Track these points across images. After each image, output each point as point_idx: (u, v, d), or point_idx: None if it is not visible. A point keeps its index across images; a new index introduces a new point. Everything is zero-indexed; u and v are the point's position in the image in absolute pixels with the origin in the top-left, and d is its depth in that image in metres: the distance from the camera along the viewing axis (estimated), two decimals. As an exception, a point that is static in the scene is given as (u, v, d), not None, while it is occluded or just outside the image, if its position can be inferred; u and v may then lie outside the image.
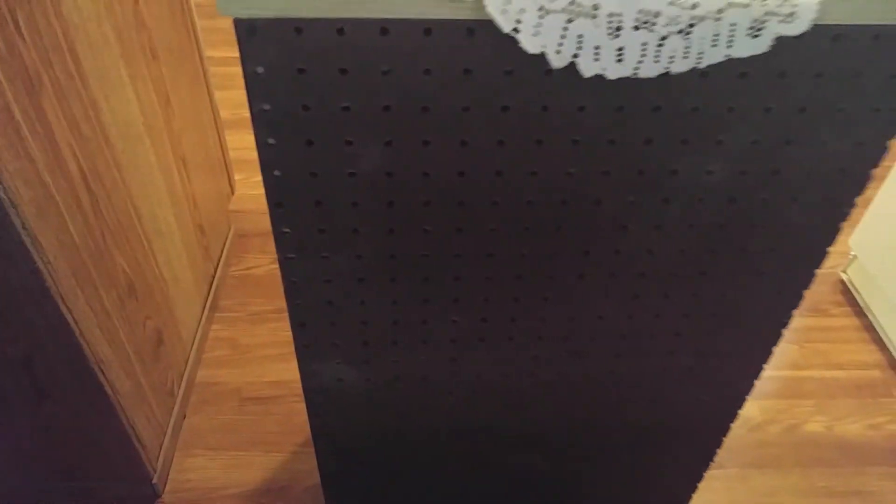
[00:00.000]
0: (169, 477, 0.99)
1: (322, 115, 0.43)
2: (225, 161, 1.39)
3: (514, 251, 0.52)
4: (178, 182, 1.08)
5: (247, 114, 1.77)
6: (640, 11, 0.40)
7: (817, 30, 0.42)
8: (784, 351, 1.30)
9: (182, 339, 1.09)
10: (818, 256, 0.56)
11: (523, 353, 0.61)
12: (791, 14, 0.41)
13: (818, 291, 1.43)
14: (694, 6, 0.41)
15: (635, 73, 0.42)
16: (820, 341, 1.32)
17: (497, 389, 0.65)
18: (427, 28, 0.40)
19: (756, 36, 0.42)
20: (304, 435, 1.07)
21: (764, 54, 0.43)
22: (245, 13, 0.39)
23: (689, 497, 0.85)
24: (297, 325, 0.57)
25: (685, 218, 0.52)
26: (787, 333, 1.33)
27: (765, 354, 0.65)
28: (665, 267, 0.55)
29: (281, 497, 0.99)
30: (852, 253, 1.39)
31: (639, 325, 0.60)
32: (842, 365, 1.28)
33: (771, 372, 1.26)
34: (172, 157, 1.05)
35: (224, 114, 1.54)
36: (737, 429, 1.16)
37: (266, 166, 0.46)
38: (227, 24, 1.80)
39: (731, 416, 0.73)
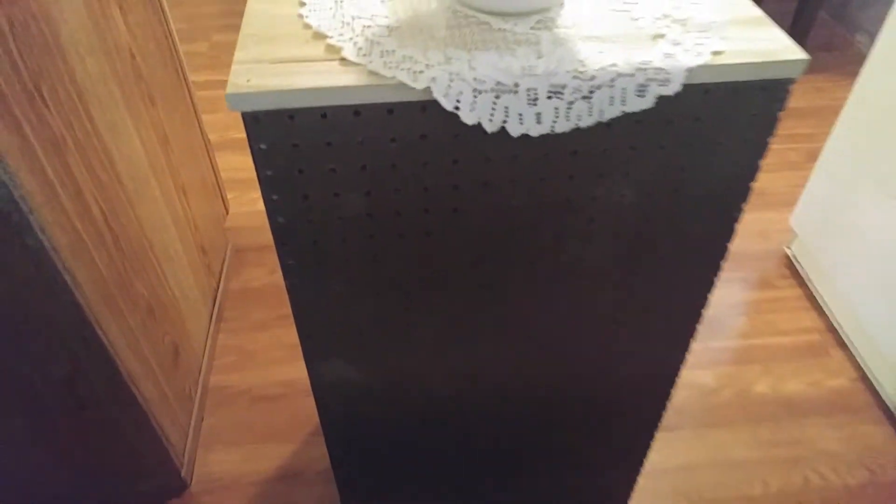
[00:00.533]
0: (195, 470, 1.12)
1: (313, 175, 0.56)
2: (218, 183, 1.51)
3: (473, 268, 0.66)
4: (181, 210, 1.20)
5: (234, 135, 1.91)
6: (551, 86, 0.53)
7: (690, 87, 0.55)
8: (736, 322, 1.44)
9: (194, 350, 1.21)
10: (718, 252, 0.70)
11: (490, 347, 0.74)
12: (665, 80, 0.54)
13: (766, 266, 1.58)
14: (592, 78, 0.53)
15: (552, 130, 0.55)
16: (767, 312, 1.47)
17: (471, 377, 0.78)
18: (390, 108, 0.53)
19: (642, 96, 0.55)
20: (311, 426, 1.20)
21: (653, 107, 0.56)
22: (250, 109, 0.51)
23: (644, 455, 0.99)
24: (304, 336, 0.69)
25: (607, 232, 0.65)
26: (738, 307, 1.48)
27: (688, 332, 0.79)
28: (597, 270, 0.68)
29: (296, 482, 1.12)
30: (794, 231, 1.54)
31: (582, 318, 0.73)
32: (786, 332, 1.43)
33: (724, 343, 1.40)
34: (174, 188, 1.17)
35: (213, 137, 1.65)
36: (692, 395, 1.30)
37: (272, 215, 0.58)
38: (206, 48, 1.98)
39: (669, 384, 0.86)
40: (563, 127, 0.55)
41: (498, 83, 0.52)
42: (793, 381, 1.34)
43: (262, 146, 0.54)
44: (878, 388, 1.31)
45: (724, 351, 1.39)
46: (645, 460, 1.02)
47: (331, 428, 0.81)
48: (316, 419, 1.21)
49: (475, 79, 0.52)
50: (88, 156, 0.86)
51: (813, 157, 1.86)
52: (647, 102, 0.55)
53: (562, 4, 0.61)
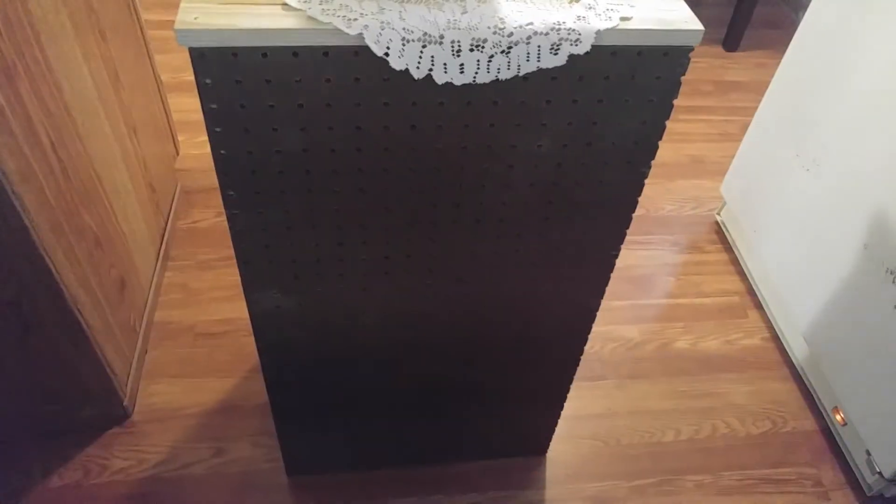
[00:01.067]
0: (137, 401, 1.17)
1: (254, 111, 0.61)
2: (169, 124, 1.52)
3: (403, 205, 0.71)
4: (131, 147, 1.22)
5: (186, 77, 1.91)
6: (473, 39, 0.59)
7: (600, 49, 0.61)
8: (663, 283, 1.54)
9: (141, 284, 1.25)
10: (629, 204, 0.77)
11: (417, 282, 0.80)
12: (577, 40, 0.60)
13: (697, 231, 1.68)
14: (510, 35, 0.59)
15: (474, 80, 0.61)
16: (693, 274, 1.57)
17: (400, 311, 0.84)
18: (325, 51, 0.58)
19: (555, 53, 0.61)
20: (251, 363, 1.26)
21: (566, 65, 0.62)
22: (197, 44, 0.55)
23: (564, 397, 1.08)
24: (243, 264, 0.74)
25: (526, 178, 0.71)
26: (667, 268, 1.58)
27: (603, 278, 0.86)
28: (516, 214, 0.75)
29: (234, 413, 1.18)
30: (724, 198, 1.64)
31: (503, 258, 0.80)
32: (709, 293, 1.53)
33: (651, 301, 1.50)
34: (124, 126, 1.19)
35: (165, 77, 1.65)
36: (618, 348, 1.40)
37: (215, 147, 0.63)
38: None
39: (586, 327, 0.94)
40: (484, 78, 0.61)
41: (425, 34, 0.57)
42: (711, 339, 1.44)
43: (207, 81, 0.58)
44: (787, 348, 1.43)
45: (650, 308, 1.49)
46: (565, 403, 1.11)
47: (266, 355, 0.87)
48: (255, 357, 1.26)
49: (404, 28, 0.57)
50: (38, 85, 0.88)
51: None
52: (559, 60, 0.61)
53: (492, -35, 0.66)
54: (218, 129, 0.62)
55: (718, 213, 1.69)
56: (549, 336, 0.94)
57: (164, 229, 1.41)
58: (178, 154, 1.58)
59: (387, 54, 0.57)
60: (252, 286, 0.77)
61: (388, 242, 0.75)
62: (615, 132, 0.69)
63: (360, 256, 0.76)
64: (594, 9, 0.62)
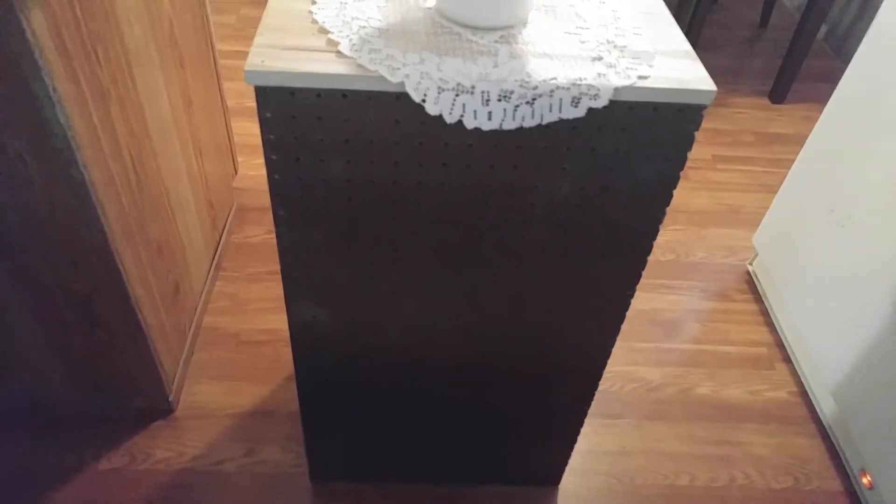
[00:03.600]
0: (181, 398, 1.26)
1: (306, 143, 0.69)
2: (231, 146, 1.64)
3: (431, 234, 0.79)
4: (195, 166, 1.34)
5: (248, 104, 2.06)
6: (501, 90, 0.66)
7: (617, 103, 0.68)
8: (689, 327, 1.57)
9: (193, 291, 1.35)
10: (644, 247, 0.83)
11: (440, 306, 0.87)
12: (596, 95, 0.67)
13: (727, 280, 1.70)
14: (535, 88, 0.66)
15: (501, 127, 0.68)
16: (720, 321, 1.59)
17: (422, 331, 0.91)
18: (370, 95, 0.66)
19: (576, 106, 0.68)
20: (286, 373, 1.34)
21: (586, 116, 0.69)
22: (261, 83, 0.65)
23: (577, 430, 1.12)
24: (286, 277, 0.83)
25: (545, 217, 0.78)
26: (694, 314, 1.60)
27: (618, 317, 0.91)
28: (535, 250, 0.81)
29: (267, 418, 1.26)
30: (755, 250, 1.66)
31: (521, 290, 0.86)
32: (735, 342, 1.55)
33: (675, 345, 1.53)
34: (191, 146, 1.31)
35: (231, 103, 1.78)
36: (638, 388, 1.43)
37: (270, 172, 0.72)
38: (234, 20, 2.15)
39: (602, 363, 0.99)
40: (509, 125, 0.68)
41: (458, 84, 0.65)
42: (734, 388, 1.46)
43: (268, 114, 0.67)
44: (814, 404, 1.43)
45: (674, 352, 1.51)
46: (582, 438, 1.15)
47: (301, 363, 0.95)
48: (291, 368, 1.34)
49: (440, 78, 0.65)
50: (126, 108, 1.00)
51: (790, 184, 1.98)
52: (579, 112, 0.68)
53: (524, 23, 0.74)
54: (274, 157, 0.71)
55: (750, 264, 1.71)
56: (563, 369, 0.99)
57: (219, 242, 1.52)
58: (236, 174, 1.71)
59: (423, 101, 0.66)
60: (292, 297, 0.85)
61: (415, 267, 0.83)
62: (631, 179, 0.75)
63: (388, 278, 0.84)
64: (615, 67, 0.69)
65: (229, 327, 1.40)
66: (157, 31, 1.10)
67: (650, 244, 0.83)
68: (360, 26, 0.71)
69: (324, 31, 0.70)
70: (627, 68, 0.69)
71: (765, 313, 1.62)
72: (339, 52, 0.67)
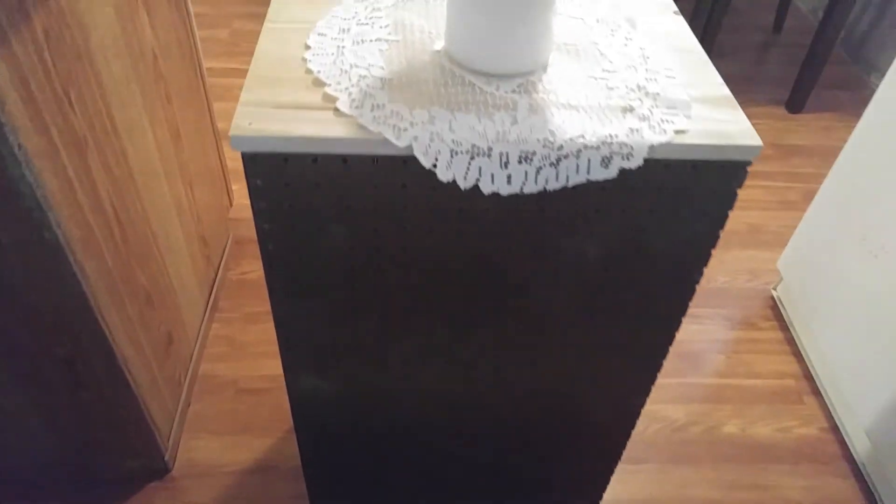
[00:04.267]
0: (177, 455, 1.18)
1: (302, 210, 0.61)
2: (224, 175, 1.57)
3: (445, 302, 0.71)
4: (186, 203, 1.26)
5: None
6: (522, 152, 0.58)
7: (652, 161, 0.60)
8: (713, 360, 1.49)
9: (188, 337, 1.28)
10: (678, 309, 0.75)
11: (458, 372, 0.79)
12: (629, 154, 0.59)
13: (751, 306, 1.61)
14: (560, 148, 0.58)
15: (521, 191, 0.60)
16: (745, 352, 1.51)
17: (440, 398, 0.83)
18: (375, 159, 0.58)
19: (606, 167, 0.60)
20: (290, 422, 1.26)
21: (617, 176, 0.61)
22: (250, 149, 0.57)
23: (604, 488, 1.04)
24: (284, 349, 0.75)
25: (571, 281, 0.70)
26: (717, 344, 1.52)
27: (649, 378, 0.83)
28: (559, 315, 0.73)
29: (271, 474, 1.18)
30: (780, 274, 1.58)
31: (544, 355, 0.78)
32: (762, 374, 1.46)
33: (699, 379, 1.45)
34: (181, 182, 1.23)
35: (223, 125, 1.70)
36: (662, 429, 1.35)
37: (262, 242, 0.64)
38: (227, 35, 2.03)
39: (630, 423, 0.91)
40: (531, 189, 0.60)
41: (473, 146, 0.57)
42: (763, 425, 1.37)
43: (258, 182, 0.59)
44: (847, 441, 1.35)
45: (697, 387, 1.43)
46: (605, 493, 1.07)
47: (304, 434, 0.87)
48: (298, 415, 1.26)
49: (453, 140, 0.57)
50: (106, 154, 0.92)
51: (811, 196, 1.88)
52: (610, 173, 0.60)
53: (545, 69, 0.66)
54: (266, 226, 0.63)
55: (775, 289, 1.63)
56: (588, 431, 0.91)
57: (214, 280, 1.45)
58: (231, 205, 1.63)
59: (435, 166, 0.58)
60: (291, 369, 0.78)
61: (427, 335, 0.75)
62: (666, 241, 0.67)
63: (399, 347, 0.76)
64: (648, 120, 0.61)
65: (227, 374, 1.33)
66: (139, 65, 1.02)
67: (685, 305, 0.75)
68: (360, 76, 0.63)
69: (319, 82, 0.62)
70: (663, 121, 0.61)
71: (791, 342, 1.53)
72: (337, 110, 0.59)
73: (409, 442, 0.91)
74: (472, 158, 0.58)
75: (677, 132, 0.60)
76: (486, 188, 0.59)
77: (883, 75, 2.32)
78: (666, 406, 1.38)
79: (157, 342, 1.10)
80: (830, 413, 1.39)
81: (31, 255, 0.80)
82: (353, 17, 0.71)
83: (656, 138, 0.59)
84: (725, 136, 0.60)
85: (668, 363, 1.47)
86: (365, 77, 0.63)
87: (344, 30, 0.69)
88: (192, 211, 1.30)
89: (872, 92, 2.34)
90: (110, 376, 0.97)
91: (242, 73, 2.11)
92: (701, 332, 1.53)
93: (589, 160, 0.59)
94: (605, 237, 0.66)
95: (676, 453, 1.31)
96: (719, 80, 0.68)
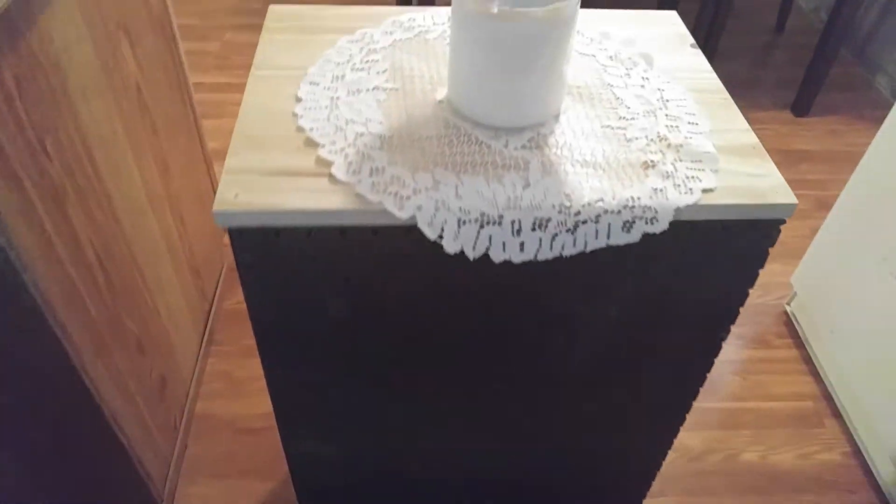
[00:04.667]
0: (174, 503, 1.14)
1: (297, 285, 0.56)
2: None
3: (452, 367, 0.66)
4: (176, 236, 1.20)
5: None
6: (535, 219, 0.53)
7: (679, 223, 0.55)
8: (728, 382, 1.44)
9: (182, 377, 1.22)
10: (703, 366, 0.69)
11: (466, 437, 0.74)
12: (653, 219, 0.54)
13: (764, 323, 1.56)
14: (577, 214, 0.53)
15: (535, 258, 0.55)
16: (761, 373, 1.46)
17: (445, 461, 0.78)
18: (375, 230, 0.53)
19: (628, 232, 0.54)
20: (291, 464, 1.21)
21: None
22: (237, 225, 0.51)
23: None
24: (279, 415, 0.70)
25: (589, 343, 0.65)
26: (732, 365, 1.47)
27: (671, 434, 0.78)
28: (576, 374, 0.68)
29: (272, 521, 1.13)
30: (793, 289, 1.53)
31: (557, 419, 0.73)
32: (779, 396, 1.41)
33: (714, 404, 1.40)
34: (171, 216, 1.18)
35: (214, 144, 1.64)
36: (678, 459, 1.30)
37: (254, 317, 0.59)
38: (217, 47, 1.93)
39: (651, 475, 0.86)
40: (545, 255, 0.55)
41: (483, 213, 0.52)
42: (783, 451, 1.33)
43: (247, 257, 0.54)
44: (871, 466, 1.30)
45: (713, 412, 1.38)
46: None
47: (303, 493, 0.82)
48: (299, 455, 1.21)
49: (461, 208, 0.52)
50: (87, 200, 0.87)
51: (822, 205, 1.83)
52: (632, 238, 0.54)
53: (556, 118, 0.61)
54: (258, 302, 0.58)
55: (788, 304, 1.58)
56: (605, 485, 0.87)
57: (209, 312, 1.39)
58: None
59: (441, 237, 0.52)
60: (290, 435, 0.73)
61: (435, 400, 0.70)
62: (691, 301, 0.62)
63: (404, 413, 0.71)
64: (672, 178, 0.56)
65: (225, 414, 1.27)
66: (122, 100, 0.97)
67: (711, 361, 0.70)
68: (356, 133, 0.58)
69: (312, 142, 0.57)
70: (688, 177, 0.56)
71: (807, 360, 1.48)
72: (332, 176, 0.54)
73: (415, 499, 0.86)
74: (482, 227, 0.53)
75: (705, 191, 0.55)
76: (497, 257, 0.54)
77: (888, 76, 2.27)
78: (682, 434, 1.32)
79: (150, 389, 1.05)
80: (852, 436, 1.34)
81: (7, 318, 0.75)
82: (348, 62, 0.66)
83: (682, 200, 0.54)
84: (757, 194, 0.55)
85: (682, 388, 1.42)
86: (362, 135, 0.58)
87: (338, 77, 0.64)
88: (184, 243, 1.24)
89: (878, 93, 2.29)
90: (99, 435, 0.92)
91: (234, 88, 2.05)
92: (714, 353, 1.48)
93: (609, 225, 0.54)
94: (627, 299, 0.61)
95: (695, 485, 1.26)
96: (745, 124, 0.62)
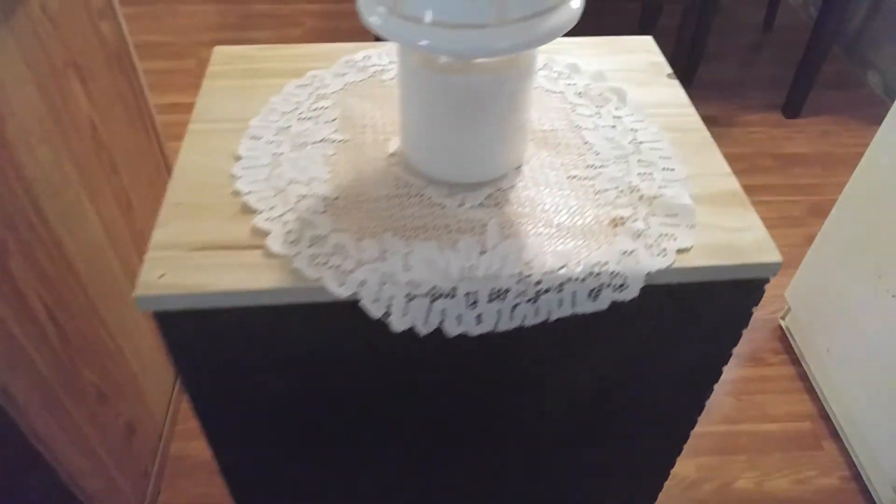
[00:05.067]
0: (145, 557, 1.09)
1: (233, 366, 0.51)
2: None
3: (411, 437, 0.61)
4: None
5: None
6: (492, 290, 0.48)
7: (652, 287, 0.50)
8: (722, 404, 1.39)
9: (155, 420, 1.18)
10: (686, 424, 0.65)
11: (437, 492, 0.70)
12: (622, 286, 0.49)
13: (758, 339, 1.51)
14: (538, 283, 0.48)
15: (495, 330, 0.50)
16: (756, 392, 1.41)
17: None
18: (314, 307, 0.48)
19: (595, 299, 0.49)
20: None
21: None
22: (161, 308, 0.46)
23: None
24: (237, 497, 0.65)
25: (559, 408, 0.60)
26: (726, 385, 1.42)
27: (655, 488, 0.74)
28: (546, 437, 0.63)
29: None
30: (788, 303, 1.48)
31: (528, 480, 0.68)
32: (775, 417, 1.37)
33: (708, 427, 1.35)
34: (135, 255, 1.13)
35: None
36: (673, 487, 1.25)
37: (192, 400, 0.54)
38: (194, 65, 1.84)
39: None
40: (506, 326, 0.50)
41: (434, 287, 0.47)
42: (780, 476, 1.28)
43: (176, 340, 0.49)
44: (871, 491, 1.25)
45: (708, 437, 1.33)
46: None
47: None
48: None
49: (409, 282, 0.47)
50: (33, 252, 0.82)
51: (816, 211, 1.78)
52: (600, 306, 0.50)
53: (518, 170, 0.56)
54: (195, 384, 0.53)
55: (783, 318, 1.53)
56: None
57: (184, 347, 1.34)
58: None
59: (387, 314, 0.47)
60: (247, 508, 0.68)
61: (398, 466, 0.65)
62: (670, 363, 0.57)
63: (364, 479, 0.66)
64: (644, 237, 0.51)
65: (201, 453, 1.22)
66: (73, 141, 0.92)
67: (694, 419, 0.65)
68: (298, 196, 0.53)
69: (249, 209, 0.52)
70: (661, 235, 0.51)
71: (803, 377, 1.44)
72: (266, 250, 0.49)
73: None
74: (434, 300, 0.48)
75: (680, 251, 0.50)
76: (452, 330, 0.49)
77: (880, 73, 2.22)
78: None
79: (115, 439, 1.01)
80: (851, 458, 1.30)
81: (-58, 390, 0.70)
82: (294, 110, 0.61)
83: (654, 263, 0.49)
84: (737, 252, 0.50)
85: (674, 412, 1.37)
86: (304, 197, 0.53)
87: (282, 129, 0.59)
88: (152, 280, 1.19)
89: (870, 92, 2.24)
90: (54, 495, 0.88)
91: (211, 106, 1.99)
92: (707, 373, 1.44)
93: (574, 293, 0.49)
94: (599, 364, 0.56)
95: (689, 516, 1.22)
96: (725, 167, 0.58)
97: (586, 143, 0.59)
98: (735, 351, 1.48)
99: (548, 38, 0.45)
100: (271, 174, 0.54)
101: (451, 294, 0.48)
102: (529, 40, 0.44)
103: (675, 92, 0.65)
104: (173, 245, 0.49)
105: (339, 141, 0.58)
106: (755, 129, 2.07)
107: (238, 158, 0.56)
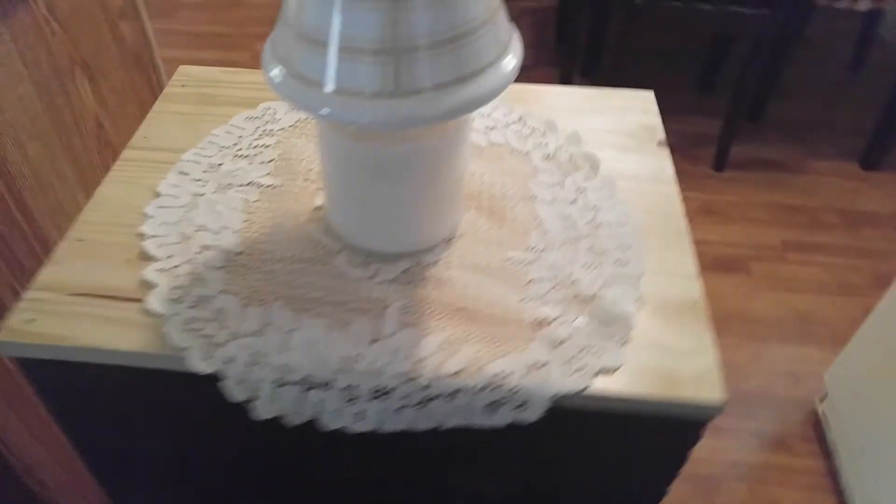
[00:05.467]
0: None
1: (107, 417, 0.48)
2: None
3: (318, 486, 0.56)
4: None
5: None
6: (373, 388, 0.43)
7: (562, 409, 0.43)
8: (731, 491, 1.27)
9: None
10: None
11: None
12: (523, 404, 0.42)
13: (789, 421, 1.38)
14: (426, 387, 0.42)
15: (379, 429, 0.44)
16: (774, 483, 1.28)
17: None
18: (181, 374, 0.44)
19: (492, 415, 0.43)
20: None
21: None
22: (20, 356, 0.44)
23: None
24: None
25: (471, 512, 0.54)
26: (741, 469, 1.30)
27: None
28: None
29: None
30: (826, 389, 1.34)
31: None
32: (791, 517, 1.24)
33: (712, 513, 1.24)
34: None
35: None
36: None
37: (75, 446, 0.51)
38: (248, 58, 1.84)
39: None
40: (392, 427, 0.44)
41: (308, 376, 0.42)
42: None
43: (43, 389, 0.46)
44: None
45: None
46: None
47: None
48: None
49: (282, 366, 0.42)
50: (11, 246, 0.82)
51: (881, 281, 1.59)
52: (497, 423, 0.43)
53: (449, 243, 0.50)
54: (69, 430, 0.50)
55: (820, 402, 1.39)
56: None
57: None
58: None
59: (252, 399, 0.43)
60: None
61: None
62: (592, 493, 0.50)
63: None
64: (563, 348, 0.44)
65: None
66: (73, 139, 0.92)
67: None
68: (202, 246, 0.49)
69: (146, 255, 0.48)
70: (585, 348, 0.44)
71: (832, 474, 1.29)
72: (142, 304, 0.45)
73: None
74: (307, 390, 0.43)
75: (602, 372, 0.43)
76: (329, 423, 0.44)
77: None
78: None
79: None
80: (872, 576, 1.16)
81: None
82: (234, 146, 0.57)
83: (565, 385, 0.42)
84: (672, 383, 0.43)
85: (677, 489, 1.26)
86: (208, 248, 0.49)
87: (214, 165, 0.55)
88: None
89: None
90: (12, 491, 0.88)
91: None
92: (721, 451, 1.31)
93: (469, 404, 0.43)
94: (506, 478, 0.50)
95: None
96: (692, 267, 0.50)
97: (536, 218, 0.52)
98: (760, 430, 1.35)
99: (470, 107, 0.39)
100: (184, 217, 0.51)
101: (328, 386, 0.42)
102: (444, 111, 0.39)
103: (662, 164, 0.58)
104: (56, 287, 0.46)
105: (268, 186, 0.53)
106: (825, 178, 1.88)
107: (157, 196, 0.53)
